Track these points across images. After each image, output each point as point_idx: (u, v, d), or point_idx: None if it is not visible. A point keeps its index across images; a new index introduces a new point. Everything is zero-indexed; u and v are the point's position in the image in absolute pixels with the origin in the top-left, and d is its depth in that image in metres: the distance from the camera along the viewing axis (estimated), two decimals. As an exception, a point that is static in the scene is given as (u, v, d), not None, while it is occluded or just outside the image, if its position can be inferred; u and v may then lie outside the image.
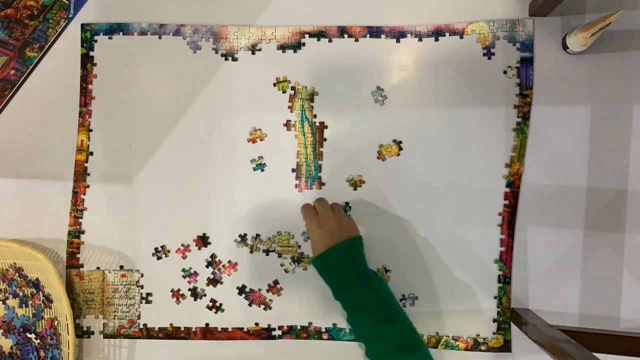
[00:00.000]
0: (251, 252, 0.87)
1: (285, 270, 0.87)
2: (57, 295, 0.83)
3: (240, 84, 0.88)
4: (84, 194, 0.89)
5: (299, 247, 0.87)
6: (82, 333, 0.88)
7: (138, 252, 0.88)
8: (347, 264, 0.76)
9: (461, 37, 0.86)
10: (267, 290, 0.87)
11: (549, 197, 0.84)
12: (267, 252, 0.87)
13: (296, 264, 0.86)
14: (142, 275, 0.88)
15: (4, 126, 0.90)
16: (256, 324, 0.87)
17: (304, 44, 0.88)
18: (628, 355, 0.73)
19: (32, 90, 0.90)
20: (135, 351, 0.88)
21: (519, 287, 0.85)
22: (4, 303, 0.88)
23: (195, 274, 0.88)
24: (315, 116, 0.88)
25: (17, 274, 0.87)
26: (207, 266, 0.88)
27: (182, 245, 0.88)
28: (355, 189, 0.87)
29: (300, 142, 0.87)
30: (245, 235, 0.87)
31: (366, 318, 0.74)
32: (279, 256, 0.87)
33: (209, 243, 0.88)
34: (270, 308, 0.87)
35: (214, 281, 0.88)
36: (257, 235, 0.87)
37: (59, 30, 0.90)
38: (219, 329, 0.87)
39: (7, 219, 0.89)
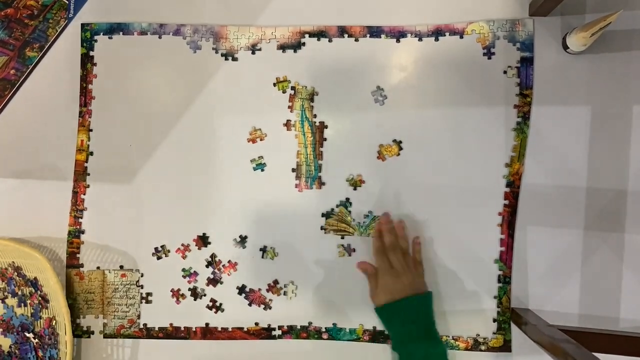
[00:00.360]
0: (262, 256, 0.87)
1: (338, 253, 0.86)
2: (54, 294, 0.84)
3: (240, 84, 0.88)
4: (84, 194, 0.89)
5: (356, 227, 0.86)
6: (82, 333, 0.88)
7: (138, 252, 0.88)
8: (419, 317, 0.75)
9: (461, 37, 0.86)
10: (267, 290, 0.87)
11: (549, 197, 0.84)
12: (263, 250, 0.87)
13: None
14: (142, 275, 0.88)
15: (3, 126, 0.90)
16: (256, 324, 0.87)
17: (304, 44, 0.88)
18: (628, 355, 0.73)
19: (32, 90, 0.90)
20: (135, 351, 0.87)
21: (519, 287, 0.85)
22: (3, 302, 0.88)
23: (195, 273, 0.88)
24: (315, 116, 0.88)
25: (15, 273, 0.87)
26: (207, 266, 0.88)
27: (182, 245, 0.88)
28: (355, 189, 0.87)
29: (300, 141, 0.87)
30: (245, 236, 0.87)
31: None
32: (342, 238, 0.86)
33: (209, 243, 0.88)
34: (270, 308, 0.87)
35: (214, 281, 0.88)
36: (273, 248, 0.87)
37: (59, 30, 0.90)
38: (219, 329, 0.87)
39: (7, 218, 0.90)
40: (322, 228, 0.86)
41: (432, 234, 0.85)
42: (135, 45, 0.89)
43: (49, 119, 0.90)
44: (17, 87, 0.90)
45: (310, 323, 0.86)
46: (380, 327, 0.85)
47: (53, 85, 0.90)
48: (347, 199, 0.86)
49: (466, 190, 0.85)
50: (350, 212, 0.86)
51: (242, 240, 0.87)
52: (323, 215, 0.86)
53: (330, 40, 0.88)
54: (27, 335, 0.86)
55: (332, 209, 0.86)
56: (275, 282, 0.87)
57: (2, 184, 0.90)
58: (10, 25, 0.82)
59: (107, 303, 0.88)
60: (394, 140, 0.86)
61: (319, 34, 0.88)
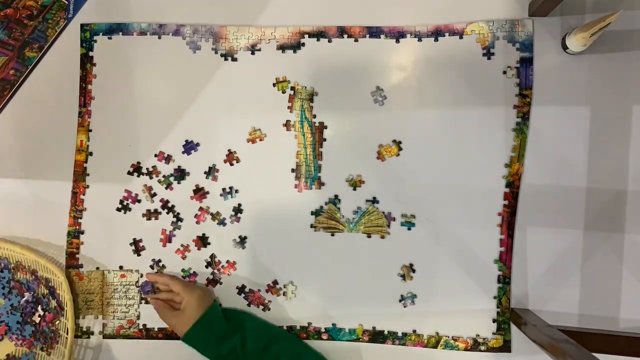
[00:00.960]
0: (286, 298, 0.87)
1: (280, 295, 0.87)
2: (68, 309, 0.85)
3: (240, 84, 0.88)
4: (84, 194, 0.89)
5: (388, 226, 0.86)
6: (81, 333, 0.88)
7: (137, 252, 0.88)
8: (208, 332, 0.80)
9: (461, 37, 0.86)
10: (267, 291, 0.87)
11: (548, 197, 0.84)
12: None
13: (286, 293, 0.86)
14: (141, 276, 0.88)
15: (3, 126, 0.90)
16: (256, 324, 0.87)
17: (303, 44, 0.88)
18: (627, 355, 0.73)
19: (31, 91, 0.90)
20: (134, 351, 0.87)
21: (518, 287, 0.85)
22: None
23: (195, 274, 0.88)
24: (314, 116, 0.87)
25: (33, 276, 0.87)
26: (206, 266, 0.88)
27: (182, 245, 0.88)
28: (354, 189, 0.87)
29: (299, 142, 0.87)
30: (245, 237, 0.87)
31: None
32: (368, 236, 0.86)
33: (209, 243, 0.88)
34: (269, 309, 0.87)
35: (213, 281, 0.87)
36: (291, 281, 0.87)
37: (58, 31, 0.90)
38: (219, 329, 0.87)
39: (6, 218, 0.89)
40: (311, 226, 0.86)
41: (432, 234, 0.85)
42: (135, 45, 0.89)
43: (48, 119, 0.90)
44: (17, 88, 0.90)
45: (309, 323, 0.86)
46: (379, 326, 0.85)
47: (52, 86, 0.90)
48: (336, 196, 0.86)
49: (466, 191, 0.85)
50: (339, 209, 0.86)
51: (242, 240, 0.87)
52: (312, 213, 0.86)
53: (329, 41, 0.88)
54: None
55: (322, 207, 0.86)
56: (275, 282, 0.87)
57: (2, 184, 0.90)
58: (9, 26, 0.82)
59: (107, 303, 0.88)
60: (394, 141, 0.86)
61: (318, 35, 0.88)
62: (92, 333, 0.88)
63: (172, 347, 0.87)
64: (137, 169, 0.88)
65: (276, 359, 0.79)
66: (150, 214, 0.88)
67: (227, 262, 0.87)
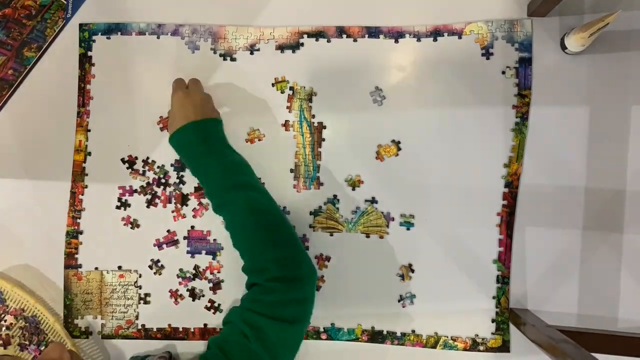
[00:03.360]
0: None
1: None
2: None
3: (239, 84, 0.88)
4: (82, 194, 0.89)
5: (387, 226, 0.86)
6: (80, 334, 0.87)
7: (136, 253, 0.88)
8: (201, 139, 0.78)
9: (460, 38, 0.86)
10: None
11: (547, 197, 0.84)
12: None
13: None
14: (140, 276, 0.88)
15: (1, 126, 0.90)
16: (254, 325, 0.87)
17: (302, 44, 0.88)
18: (626, 356, 0.73)
19: (29, 91, 0.90)
20: (133, 352, 0.87)
21: (517, 287, 0.85)
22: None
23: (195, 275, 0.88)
24: (313, 116, 0.87)
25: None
26: (206, 267, 0.87)
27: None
28: (353, 189, 0.87)
29: (298, 142, 0.87)
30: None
31: (217, 185, 0.76)
32: (367, 236, 0.86)
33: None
34: (268, 308, 0.87)
35: (213, 282, 0.87)
36: None
37: (57, 30, 0.90)
38: (217, 330, 0.87)
39: (5, 219, 0.89)
40: (310, 226, 0.86)
41: (431, 235, 0.85)
42: (134, 45, 0.89)
43: (47, 119, 0.89)
44: (15, 88, 0.89)
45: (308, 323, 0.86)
46: (378, 326, 0.85)
47: (51, 86, 0.90)
48: (335, 196, 0.86)
49: (465, 191, 0.85)
50: (338, 209, 0.86)
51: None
52: (311, 213, 0.86)
53: (328, 41, 0.88)
54: None
55: (320, 207, 0.86)
56: (274, 282, 0.87)
57: (0, 184, 0.90)
58: (8, 26, 0.82)
59: (105, 304, 0.88)
60: (393, 141, 0.86)
61: (317, 35, 0.88)
62: (91, 333, 0.87)
63: (171, 347, 0.87)
64: (131, 163, 0.88)
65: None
66: (150, 201, 0.88)
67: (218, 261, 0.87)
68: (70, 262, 0.88)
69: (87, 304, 0.88)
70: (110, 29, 0.90)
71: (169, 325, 0.87)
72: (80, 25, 0.90)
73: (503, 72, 0.85)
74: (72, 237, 0.88)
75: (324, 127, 0.87)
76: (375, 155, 0.87)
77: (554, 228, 0.84)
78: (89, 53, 0.90)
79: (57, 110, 0.89)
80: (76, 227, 0.88)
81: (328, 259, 0.86)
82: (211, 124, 0.80)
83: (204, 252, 0.87)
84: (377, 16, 0.87)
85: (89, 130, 0.89)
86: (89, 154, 0.89)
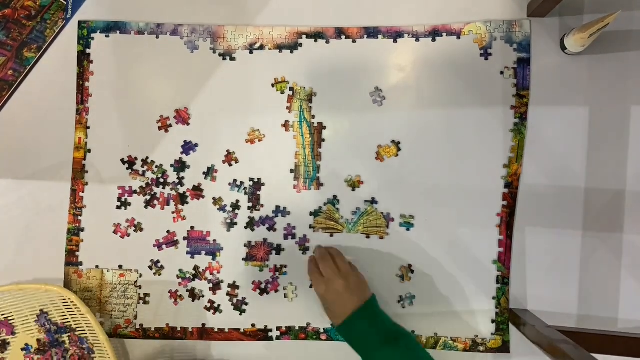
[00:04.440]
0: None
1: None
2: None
3: (238, 84, 0.88)
4: (83, 192, 0.89)
5: (387, 226, 0.86)
6: (79, 334, 0.87)
7: (137, 252, 0.88)
8: (371, 327, 0.74)
9: (458, 38, 0.86)
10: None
11: (547, 198, 0.84)
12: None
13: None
14: (140, 276, 0.88)
15: (1, 126, 0.90)
16: (252, 325, 0.86)
17: (300, 45, 0.88)
18: (626, 356, 0.73)
19: (29, 91, 0.90)
20: (131, 351, 0.87)
21: (517, 287, 0.85)
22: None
23: (194, 276, 0.88)
24: (313, 117, 0.87)
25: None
26: (206, 268, 0.87)
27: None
28: (353, 190, 0.87)
29: (298, 142, 0.87)
30: (250, 242, 0.87)
31: None
32: (367, 237, 0.86)
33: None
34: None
35: (212, 282, 0.87)
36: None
37: (56, 31, 0.90)
38: (216, 330, 0.87)
39: (6, 218, 0.89)
40: (310, 227, 0.86)
41: (431, 235, 0.85)
42: (133, 44, 0.89)
43: (47, 119, 0.89)
44: (15, 88, 0.90)
45: (308, 324, 0.86)
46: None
47: (50, 86, 0.90)
48: (335, 197, 0.86)
49: (464, 192, 0.85)
50: (338, 209, 0.86)
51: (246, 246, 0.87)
52: (311, 214, 0.86)
53: (327, 42, 0.88)
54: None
55: (320, 207, 0.86)
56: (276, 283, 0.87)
57: (1, 183, 0.90)
58: (7, 26, 0.82)
59: (105, 302, 0.88)
60: (393, 141, 0.86)
61: (316, 35, 0.88)
62: (90, 333, 0.88)
63: (169, 347, 0.87)
64: (131, 163, 0.88)
65: None
66: (148, 202, 0.88)
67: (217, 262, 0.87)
68: (71, 259, 0.88)
69: (86, 302, 0.87)
70: (110, 28, 0.90)
71: (167, 325, 0.87)
72: (80, 22, 0.89)
73: (501, 73, 0.85)
74: (73, 234, 0.88)
75: (324, 128, 0.87)
76: (375, 155, 0.87)
77: (554, 228, 0.84)
78: (88, 50, 0.89)
79: (57, 110, 0.89)
80: (77, 225, 0.88)
81: (327, 259, 0.86)
82: (368, 307, 0.76)
83: (203, 252, 0.87)
84: (376, 17, 0.87)
85: (89, 128, 0.89)
86: (89, 151, 0.89)
